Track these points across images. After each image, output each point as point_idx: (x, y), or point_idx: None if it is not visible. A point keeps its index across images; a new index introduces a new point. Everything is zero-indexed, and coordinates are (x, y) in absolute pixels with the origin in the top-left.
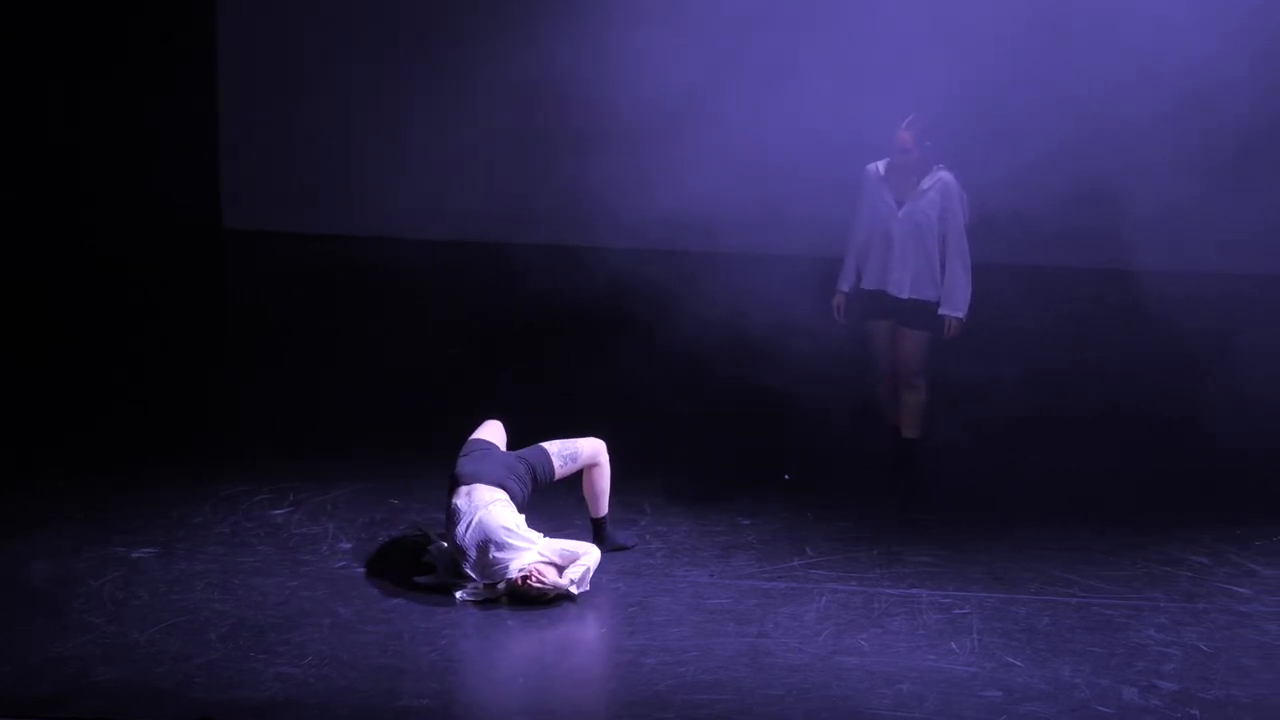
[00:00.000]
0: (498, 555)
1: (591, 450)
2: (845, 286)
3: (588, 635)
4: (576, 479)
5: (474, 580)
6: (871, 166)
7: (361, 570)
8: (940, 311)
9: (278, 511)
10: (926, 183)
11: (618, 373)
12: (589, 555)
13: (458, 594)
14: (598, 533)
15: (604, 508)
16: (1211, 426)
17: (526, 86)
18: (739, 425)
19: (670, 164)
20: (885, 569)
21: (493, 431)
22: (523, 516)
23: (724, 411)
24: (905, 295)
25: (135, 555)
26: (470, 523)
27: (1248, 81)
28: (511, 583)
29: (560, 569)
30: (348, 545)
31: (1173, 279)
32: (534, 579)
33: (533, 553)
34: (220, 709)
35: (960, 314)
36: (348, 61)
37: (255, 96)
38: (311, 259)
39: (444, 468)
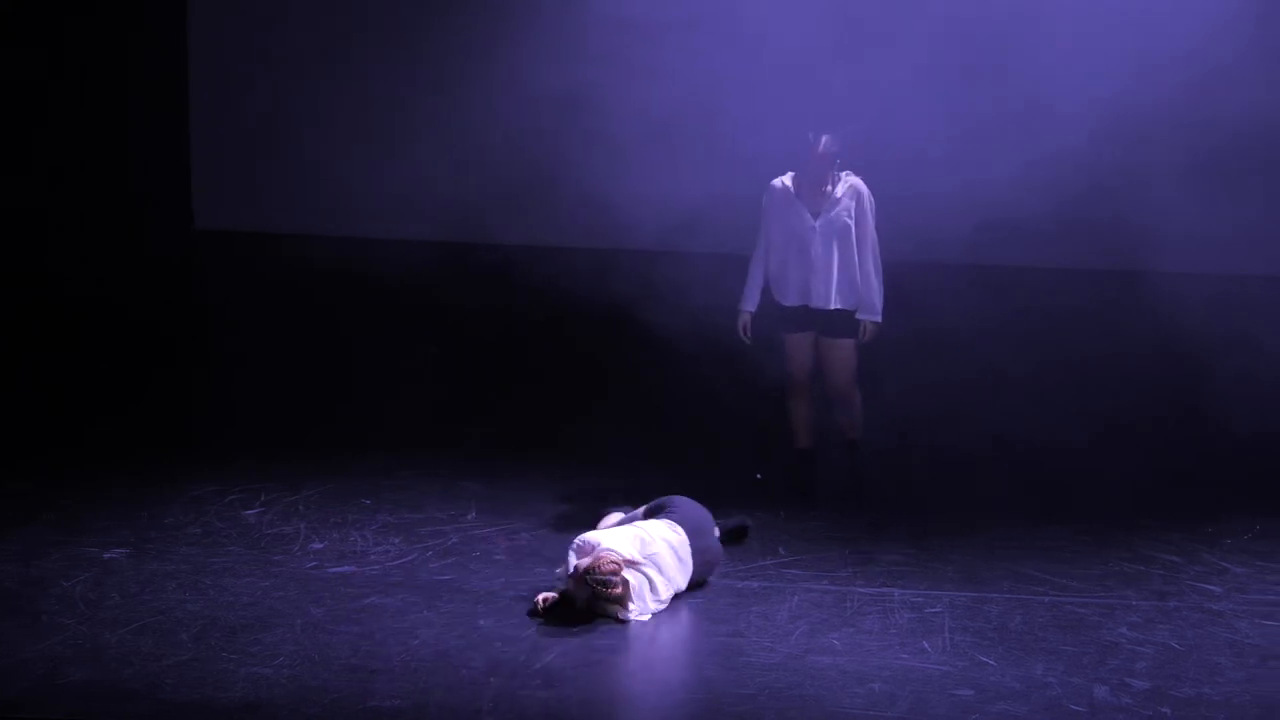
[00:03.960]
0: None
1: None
2: (750, 306)
3: (560, 635)
4: None
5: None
6: (777, 182)
7: (333, 570)
8: (858, 316)
9: (249, 512)
10: (839, 190)
11: (593, 371)
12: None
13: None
14: None
15: None
16: (1184, 425)
17: (499, 86)
18: (715, 424)
19: (649, 164)
20: (857, 568)
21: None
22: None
23: (700, 410)
24: (832, 306)
25: (107, 556)
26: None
27: (1230, 83)
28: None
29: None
30: (319, 545)
31: (1148, 279)
32: (602, 564)
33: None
34: (191, 710)
35: (876, 318)
36: (319, 61)
37: (227, 95)
38: (284, 259)
39: (413, 468)
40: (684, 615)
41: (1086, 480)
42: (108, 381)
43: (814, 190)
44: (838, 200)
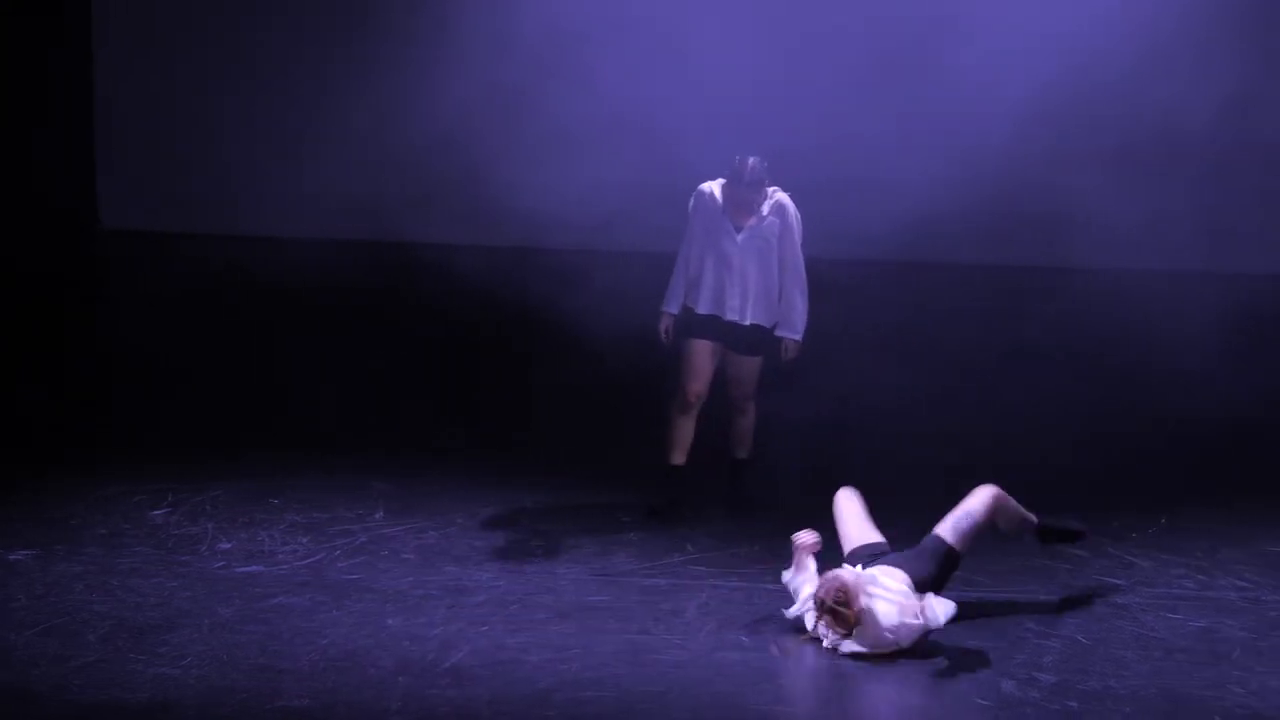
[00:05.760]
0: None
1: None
2: (673, 308)
3: (469, 633)
4: None
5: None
6: (706, 187)
7: (241, 570)
8: (778, 333)
9: (156, 512)
10: (765, 206)
11: (504, 369)
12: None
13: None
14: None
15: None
16: (1088, 423)
17: (413, 86)
18: (626, 422)
19: (567, 164)
20: (766, 565)
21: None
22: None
23: (613, 408)
24: (747, 322)
25: (12, 558)
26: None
27: (1153, 77)
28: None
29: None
30: (227, 545)
31: (1072, 274)
32: (830, 592)
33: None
34: (99, 711)
35: (798, 337)
36: (227, 61)
37: (135, 93)
38: (192, 259)
39: (321, 468)
40: (592, 613)
41: (995, 475)
42: (10, 383)
43: (741, 203)
44: (763, 217)
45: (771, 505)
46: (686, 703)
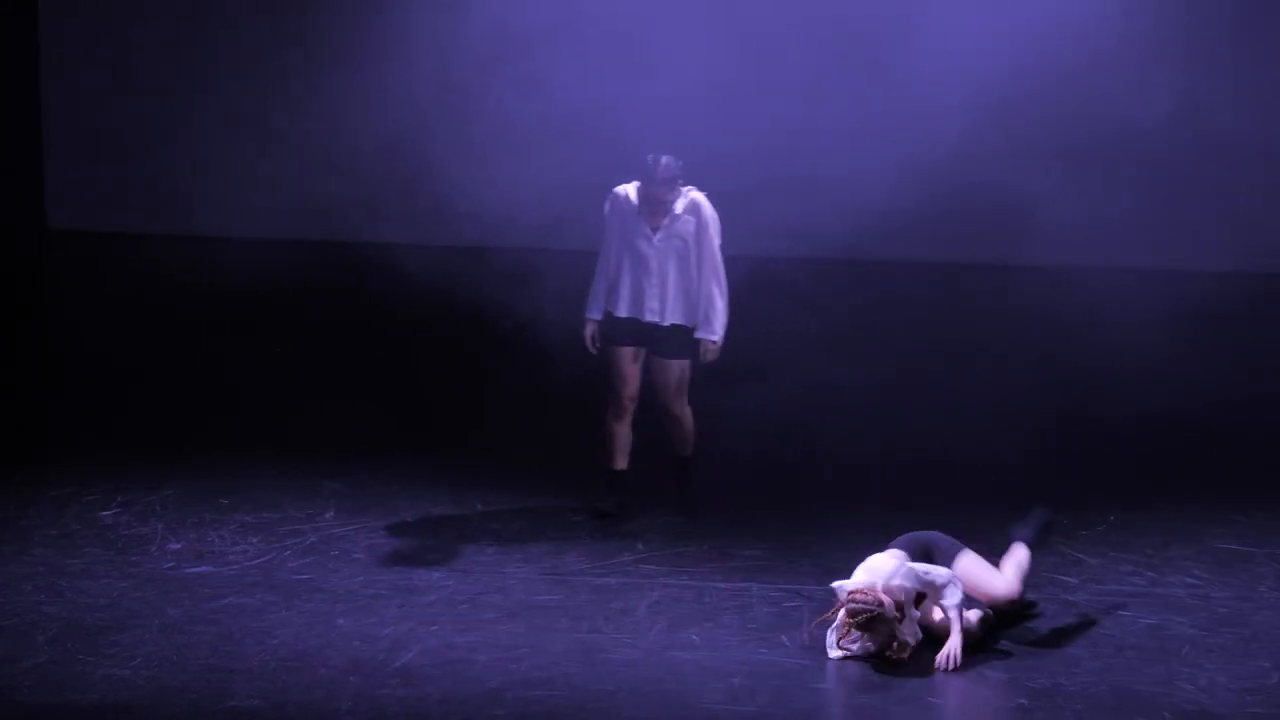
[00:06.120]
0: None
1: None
2: (596, 314)
3: (419, 633)
4: None
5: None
6: (620, 190)
7: (191, 570)
8: (697, 335)
9: (106, 513)
10: (680, 205)
11: (460, 371)
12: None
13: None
14: None
15: None
16: (1039, 420)
17: (363, 86)
18: (576, 421)
19: (517, 164)
20: (716, 563)
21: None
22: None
23: (563, 407)
24: (666, 323)
25: None
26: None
27: (1102, 74)
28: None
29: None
30: (177, 545)
31: (1024, 272)
32: (859, 597)
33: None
34: (49, 712)
35: (717, 338)
36: (177, 61)
37: (83, 93)
38: (140, 260)
39: (271, 468)
40: (542, 612)
41: (945, 472)
42: None
43: (656, 203)
44: (678, 217)
45: (722, 504)
46: (636, 701)
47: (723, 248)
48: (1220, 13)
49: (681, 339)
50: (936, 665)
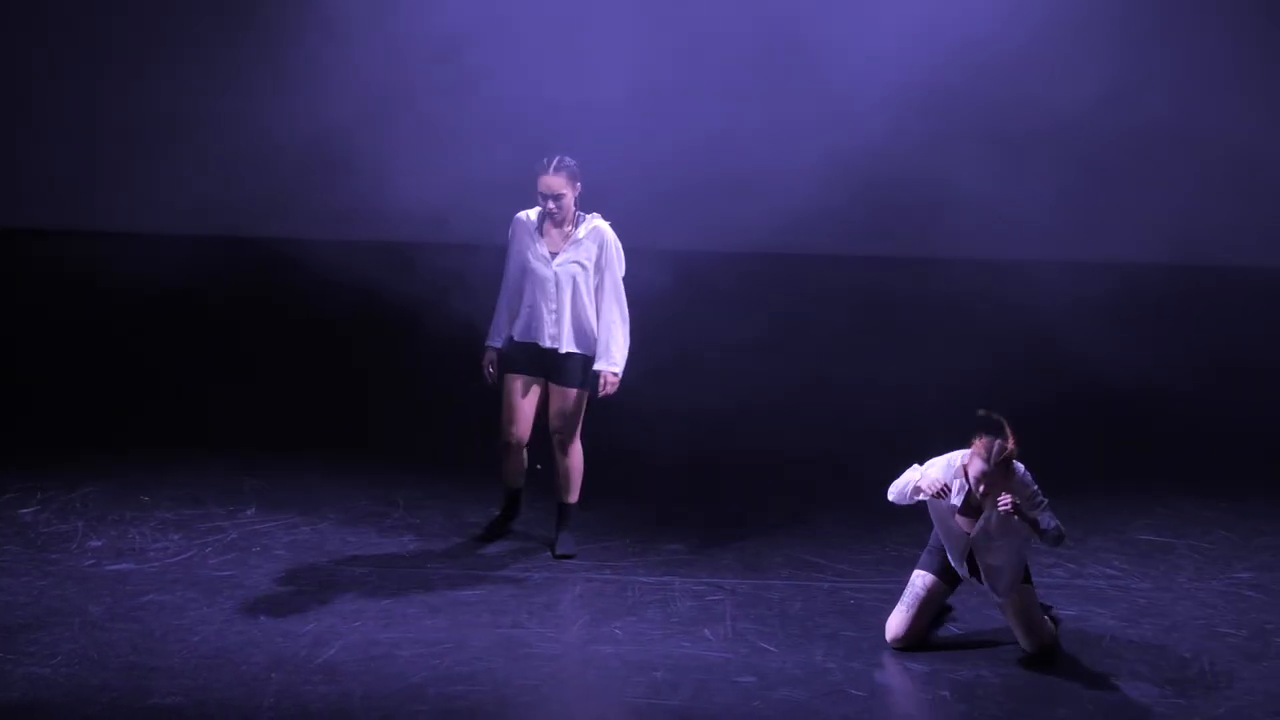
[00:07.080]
0: None
1: None
2: (497, 342)
3: (341, 629)
4: None
5: None
6: (522, 214)
7: (111, 568)
8: (596, 366)
9: (25, 510)
10: (581, 231)
11: (379, 367)
12: None
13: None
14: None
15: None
16: (963, 411)
17: (282, 85)
18: (497, 417)
19: (448, 161)
20: (638, 557)
21: None
22: None
23: (483, 403)
24: (563, 350)
25: None
26: None
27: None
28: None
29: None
30: (97, 543)
31: (942, 265)
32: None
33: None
34: None
35: (617, 369)
36: (80, 54)
37: None
38: (45, 257)
39: (192, 465)
40: (465, 608)
41: (866, 465)
42: None
43: (556, 228)
44: (579, 243)
45: (645, 498)
46: (559, 695)
47: (653, 251)
48: (1145, 2)
49: (580, 369)
50: (1000, 503)
